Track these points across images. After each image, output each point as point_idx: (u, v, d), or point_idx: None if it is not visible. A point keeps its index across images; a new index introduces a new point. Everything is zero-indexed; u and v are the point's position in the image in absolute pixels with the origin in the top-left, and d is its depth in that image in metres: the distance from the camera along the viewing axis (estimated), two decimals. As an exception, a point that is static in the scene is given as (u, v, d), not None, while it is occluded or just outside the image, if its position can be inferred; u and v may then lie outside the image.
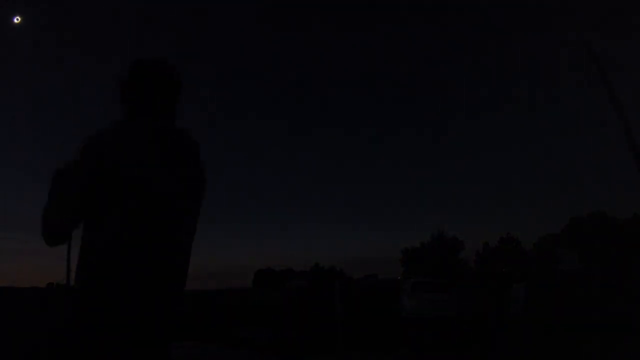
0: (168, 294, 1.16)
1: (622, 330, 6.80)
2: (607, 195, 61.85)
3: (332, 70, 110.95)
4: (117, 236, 1.09)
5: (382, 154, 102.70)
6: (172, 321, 1.18)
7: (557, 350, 6.24)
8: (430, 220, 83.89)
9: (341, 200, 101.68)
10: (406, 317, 12.01)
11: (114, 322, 1.06)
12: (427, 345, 7.23)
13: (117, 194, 1.09)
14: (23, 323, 8.50)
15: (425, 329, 9.47)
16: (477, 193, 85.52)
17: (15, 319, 9.29)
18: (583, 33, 10.18)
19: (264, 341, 6.96)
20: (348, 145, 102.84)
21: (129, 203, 1.10)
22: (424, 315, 11.59)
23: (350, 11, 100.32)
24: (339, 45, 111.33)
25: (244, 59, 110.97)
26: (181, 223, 1.20)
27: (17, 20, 11.81)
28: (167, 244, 1.16)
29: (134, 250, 1.10)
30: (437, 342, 7.67)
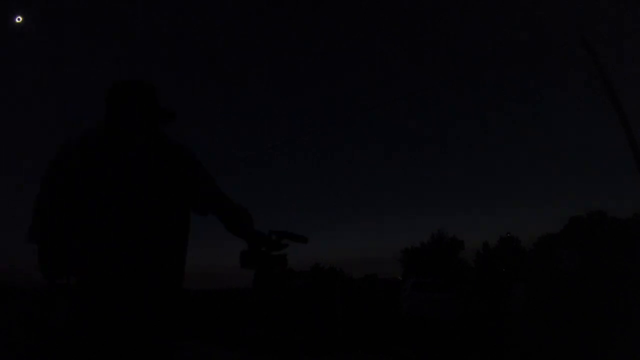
0: (151, 289, 1.16)
1: (622, 330, 6.80)
2: (607, 195, 61.88)
3: (332, 71, 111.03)
4: (85, 235, 1.15)
5: (382, 154, 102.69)
6: (167, 318, 1.18)
7: (557, 350, 6.25)
8: (430, 220, 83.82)
9: (341, 200, 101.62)
10: (406, 317, 12.01)
11: (106, 319, 1.08)
12: (427, 345, 7.23)
13: (79, 196, 1.18)
14: (24, 322, 8.51)
15: (425, 329, 9.48)
16: (477, 193, 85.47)
17: (16, 318, 9.29)
18: (583, 32, 10.18)
19: (264, 341, 6.96)
20: (348, 145, 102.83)
21: (89, 203, 1.18)
22: (423, 315, 11.59)
23: (353, 13, 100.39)
24: (339, 45, 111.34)
25: (246, 57, 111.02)
26: (153, 221, 1.22)
27: (18, 20, 11.78)
28: (130, 238, 1.17)
29: (102, 247, 1.14)
30: (437, 342, 7.67)
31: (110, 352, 1.07)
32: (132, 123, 1.36)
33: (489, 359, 6.25)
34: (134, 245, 1.16)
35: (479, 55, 79.50)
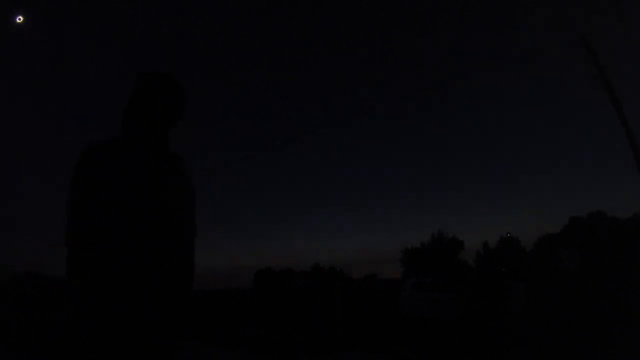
0: (160, 291, 1.16)
1: (622, 330, 6.80)
2: (607, 194, 61.84)
3: (331, 70, 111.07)
4: (102, 238, 1.15)
5: (382, 154, 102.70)
6: (172, 320, 1.18)
7: (557, 349, 6.25)
8: (430, 220, 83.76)
9: (341, 200, 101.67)
10: (406, 317, 12.02)
11: (109, 318, 1.08)
12: (427, 345, 7.23)
13: (99, 202, 1.18)
14: (24, 322, 8.51)
15: (425, 329, 9.48)
16: (477, 193, 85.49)
17: (16, 318, 9.29)
18: (583, 32, 10.18)
19: (264, 341, 6.96)
20: (348, 145, 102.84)
21: (108, 208, 1.17)
22: (423, 315, 11.60)
23: (353, 13, 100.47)
24: (339, 45, 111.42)
25: (246, 57, 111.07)
26: (164, 224, 1.22)
27: (19, 20, 11.77)
28: (149, 243, 1.18)
29: (116, 251, 1.15)
30: (437, 342, 7.67)
31: (111, 352, 1.07)
32: (157, 128, 1.32)
33: (489, 359, 6.25)
34: (136, 246, 1.17)
35: (479, 55, 79.49)
